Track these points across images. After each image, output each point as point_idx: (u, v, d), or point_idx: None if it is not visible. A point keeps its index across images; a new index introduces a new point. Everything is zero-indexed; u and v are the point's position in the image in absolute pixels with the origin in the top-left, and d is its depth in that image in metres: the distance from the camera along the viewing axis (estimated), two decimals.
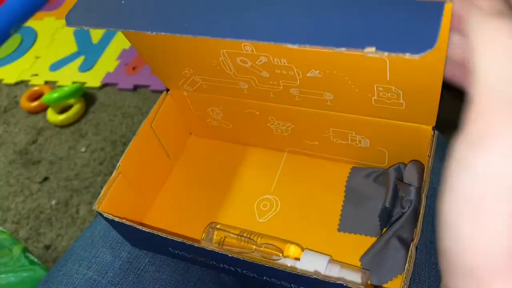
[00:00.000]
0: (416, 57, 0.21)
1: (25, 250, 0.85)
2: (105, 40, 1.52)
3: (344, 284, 0.27)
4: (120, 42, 1.50)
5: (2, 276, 0.76)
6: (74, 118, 1.32)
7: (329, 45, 0.22)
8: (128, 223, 0.34)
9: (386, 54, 0.21)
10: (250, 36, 0.24)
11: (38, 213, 1.17)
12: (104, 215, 0.35)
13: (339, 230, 0.39)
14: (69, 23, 0.30)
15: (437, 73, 0.27)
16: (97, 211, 0.36)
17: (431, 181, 0.40)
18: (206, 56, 0.35)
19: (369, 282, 0.34)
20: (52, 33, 1.63)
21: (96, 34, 1.55)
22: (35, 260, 0.84)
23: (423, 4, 0.21)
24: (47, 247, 1.11)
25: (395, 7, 0.22)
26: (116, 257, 0.41)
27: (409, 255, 0.29)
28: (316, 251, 0.35)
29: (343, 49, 0.21)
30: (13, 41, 1.64)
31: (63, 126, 1.34)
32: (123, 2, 0.29)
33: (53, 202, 1.18)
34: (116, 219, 0.35)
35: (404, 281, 0.28)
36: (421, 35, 0.21)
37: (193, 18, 0.26)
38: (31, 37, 1.63)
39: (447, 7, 0.21)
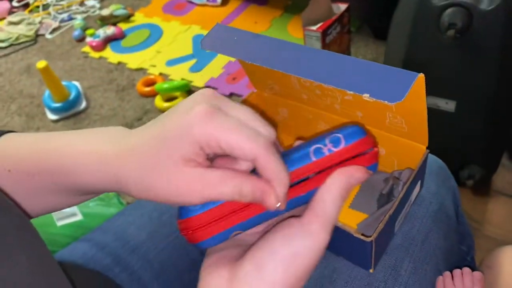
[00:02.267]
0: (391, 103, 0.38)
1: (118, 194, 1.07)
2: None
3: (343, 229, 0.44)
4: None
5: (97, 205, 0.98)
6: None
7: (347, 88, 0.39)
8: None
9: (374, 99, 0.38)
10: (309, 75, 0.42)
11: None
12: None
13: (349, 207, 0.54)
14: (203, 46, 0.48)
15: (421, 112, 0.43)
16: None
17: (421, 190, 0.55)
18: (283, 75, 0.53)
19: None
20: (175, 34, 1.91)
21: None
22: (124, 203, 1.06)
23: (406, 73, 0.38)
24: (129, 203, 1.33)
25: (393, 74, 0.39)
26: None
27: (384, 218, 0.44)
28: None
29: (351, 92, 0.39)
30: (142, 34, 1.94)
31: None
32: (235, 38, 0.47)
33: None
34: None
35: (375, 231, 0.44)
36: (397, 91, 0.37)
37: (276, 56, 0.44)
38: (157, 34, 1.92)
39: (420, 76, 0.38)
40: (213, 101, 0.32)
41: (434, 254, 0.53)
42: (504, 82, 1.02)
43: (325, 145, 0.36)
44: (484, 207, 1.22)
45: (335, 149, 0.35)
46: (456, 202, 0.60)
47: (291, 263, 0.31)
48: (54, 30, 2.10)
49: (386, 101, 0.38)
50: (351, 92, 0.40)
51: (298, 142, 0.39)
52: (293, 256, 0.31)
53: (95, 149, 0.34)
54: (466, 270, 0.53)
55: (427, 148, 0.50)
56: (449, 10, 0.99)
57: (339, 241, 0.46)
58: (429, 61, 1.07)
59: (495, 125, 1.10)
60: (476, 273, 0.53)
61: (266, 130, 0.32)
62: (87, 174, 0.34)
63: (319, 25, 1.41)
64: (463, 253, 0.62)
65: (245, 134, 0.30)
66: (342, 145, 0.36)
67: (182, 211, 0.34)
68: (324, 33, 1.39)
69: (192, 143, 0.30)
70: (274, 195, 0.32)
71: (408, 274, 0.49)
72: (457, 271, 0.53)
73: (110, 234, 0.55)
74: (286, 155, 0.36)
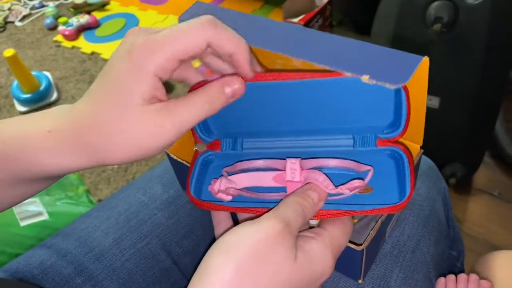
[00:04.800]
0: (393, 87, 0.33)
1: (88, 191, 1.01)
2: None
3: None
4: None
5: (66, 204, 0.92)
6: None
7: (344, 69, 0.35)
8: (185, 163, 0.48)
9: (374, 81, 0.33)
10: (297, 55, 0.37)
11: (101, 171, 1.34)
12: (170, 155, 0.49)
13: None
14: (181, 22, 0.43)
15: (419, 105, 0.39)
16: (166, 152, 0.49)
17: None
18: (266, 63, 0.48)
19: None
20: (151, 24, 1.84)
21: None
22: (94, 201, 1.00)
23: (407, 55, 0.34)
24: (100, 201, 1.27)
25: (393, 56, 0.34)
26: (165, 192, 0.55)
27: (375, 225, 0.40)
28: None
29: (349, 73, 0.34)
30: (118, 23, 1.87)
31: None
32: (217, 16, 0.42)
33: (116, 166, 1.35)
34: (178, 159, 0.48)
35: (366, 239, 0.39)
36: (400, 74, 0.33)
37: (261, 35, 0.39)
38: (133, 24, 1.86)
39: (424, 60, 0.33)
40: (144, 31, 0.32)
41: (425, 262, 0.49)
42: (488, 78, 1.00)
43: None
44: (465, 205, 1.21)
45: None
46: (447, 205, 0.57)
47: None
48: (25, 17, 2.01)
49: (387, 84, 0.33)
50: (349, 73, 0.35)
51: None
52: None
53: (48, 128, 0.32)
54: (473, 277, 0.49)
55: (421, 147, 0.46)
56: (435, 4, 0.96)
57: None
58: None
59: (478, 122, 1.08)
60: (484, 282, 0.49)
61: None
62: (47, 156, 0.32)
63: (300, 17, 1.37)
64: (453, 258, 0.59)
65: (187, 32, 0.32)
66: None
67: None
68: (306, 26, 1.35)
69: (148, 80, 0.31)
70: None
71: (398, 285, 0.46)
72: (462, 276, 0.49)
73: (73, 239, 0.50)
74: None
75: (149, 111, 0.31)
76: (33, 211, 0.88)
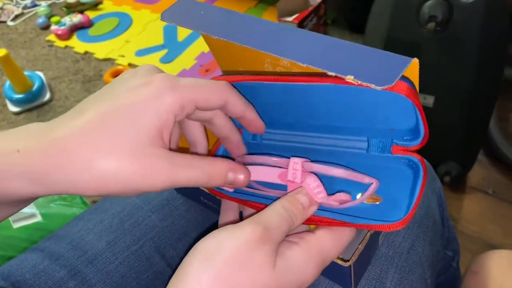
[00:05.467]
0: (378, 88, 0.33)
1: None
2: (189, 41, 1.70)
3: None
4: (200, 45, 1.68)
5: (60, 205, 0.91)
6: None
7: (329, 69, 0.34)
8: None
9: (359, 81, 0.33)
10: (285, 55, 0.37)
11: None
12: None
13: None
14: (163, 18, 0.42)
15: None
16: None
17: None
18: (254, 62, 0.48)
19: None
20: (145, 23, 1.83)
21: (182, 34, 1.74)
22: (88, 203, 0.99)
23: (396, 57, 0.33)
24: (95, 202, 1.27)
25: (381, 57, 0.34)
26: (159, 194, 0.54)
27: (364, 237, 0.40)
28: None
29: (333, 73, 0.33)
30: (111, 23, 1.86)
31: None
32: (202, 12, 0.42)
33: None
34: None
35: (354, 254, 0.39)
36: (387, 75, 0.32)
37: (248, 34, 0.39)
38: (127, 23, 1.85)
39: (414, 62, 0.33)
40: (159, 71, 0.33)
41: (420, 263, 0.49)
42: (482, 76, 1.00)
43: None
44: (460, 204, 1.21)
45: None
46: (442, 205, 0.57)
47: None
48: (17, 17, 1.99)
49: (373, 85, 0.32)
50: (333, 73, 0.34)
51: None
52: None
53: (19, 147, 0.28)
54: None
55: None
56: (429, 2, 0.96)
57: None
58: (408, 54, 1.03)
59: (472, 121, 1.08)
60: None
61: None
62: (13, 178, 0.28)
63: (295, 16, 1.36)
64: (448, 258, 0.59)
65: (209, 85, 0.32)
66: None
67: None
68: (300, 24, 1.35)
69: (164, 113, 0.29)
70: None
71: (393, 286, 0.45)
72: None
73: (65, 242, 0.50)
74: None
75: (150, 152, 0.29)
76: (26, 213, 0.88)
